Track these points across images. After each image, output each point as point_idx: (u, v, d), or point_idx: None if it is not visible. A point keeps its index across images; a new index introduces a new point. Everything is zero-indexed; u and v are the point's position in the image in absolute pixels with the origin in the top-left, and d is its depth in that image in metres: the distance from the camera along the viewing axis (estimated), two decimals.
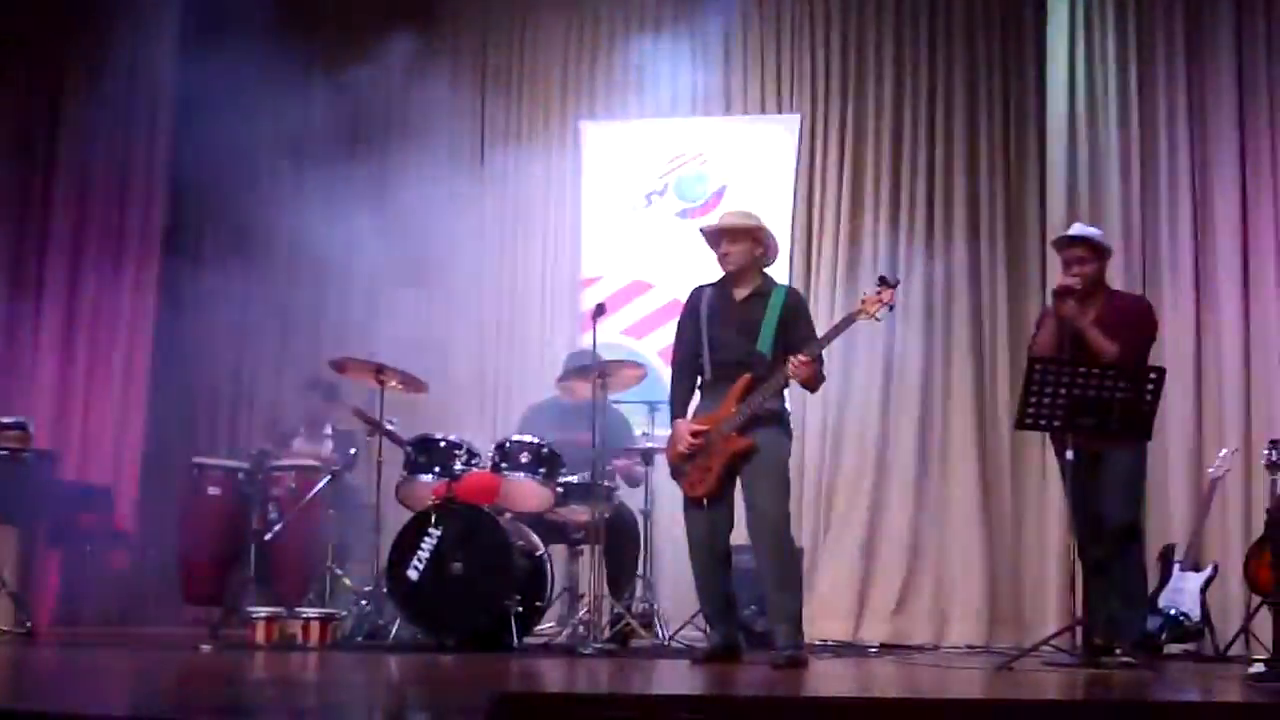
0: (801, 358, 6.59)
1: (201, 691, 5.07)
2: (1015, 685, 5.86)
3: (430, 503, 7.65)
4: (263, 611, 7.58)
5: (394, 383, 8.13)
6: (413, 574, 7.50)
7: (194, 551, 8.58)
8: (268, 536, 8.19)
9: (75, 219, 10.14)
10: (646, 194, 10.30)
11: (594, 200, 10.40)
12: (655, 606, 7.99)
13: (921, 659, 7.81)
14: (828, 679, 6.11)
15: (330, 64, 10.33)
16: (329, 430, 9.01)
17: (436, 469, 7.90)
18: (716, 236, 7.00)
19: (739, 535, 6.91)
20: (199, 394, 10.47)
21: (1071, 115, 9.33)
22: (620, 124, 10.48)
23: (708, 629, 7.15)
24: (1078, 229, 7.37)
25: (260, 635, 7.47)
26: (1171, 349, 8.82)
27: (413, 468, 7.98)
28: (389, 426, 8.05)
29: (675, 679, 5.97)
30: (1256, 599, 7.93)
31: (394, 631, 7.68)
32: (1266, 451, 7.90)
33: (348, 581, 8.22)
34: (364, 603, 7.95)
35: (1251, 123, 9.21)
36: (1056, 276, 7.41)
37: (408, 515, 7.79)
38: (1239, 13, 9.32)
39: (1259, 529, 8.02)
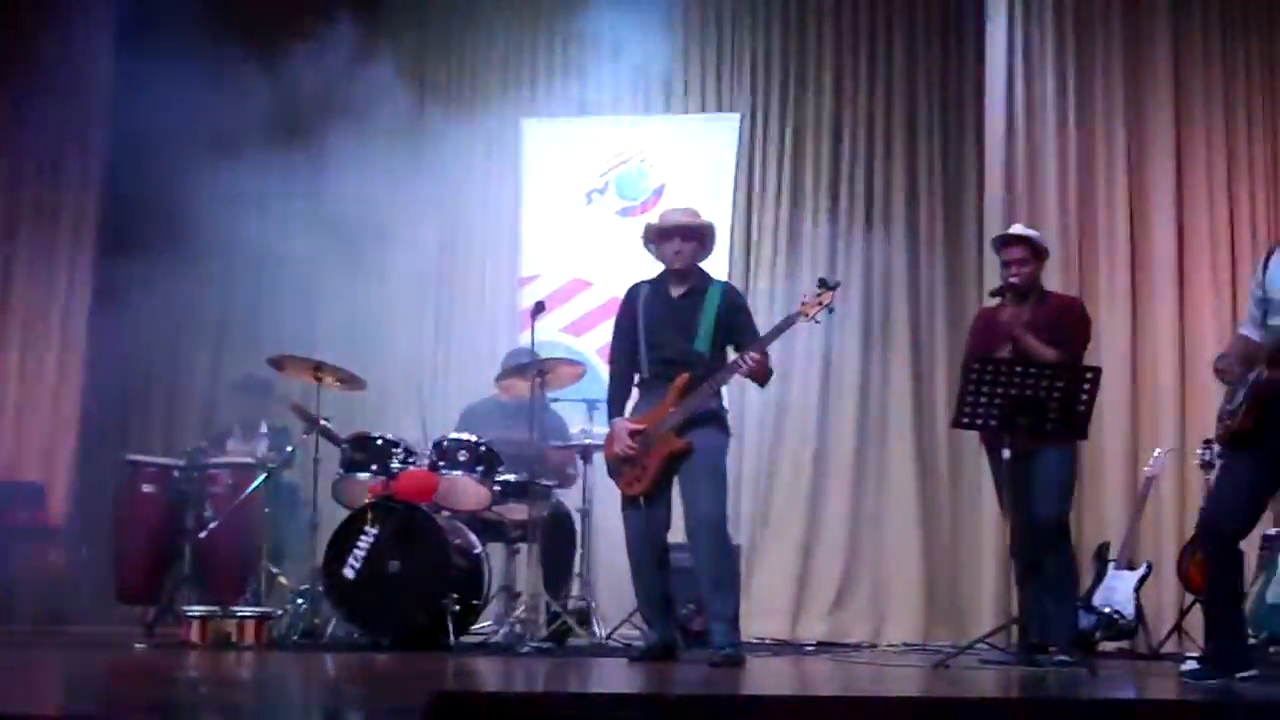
0: (755, 355, 6.58)
1: (135, 691, 5.02)
2: (951, 683, 5.89)
3: (367, 501, 7.61)
4: (198, 610, 7.50)
5: (332, 380, 8.07)
6: (349, 572, 7.46)
7: (128, 550, 8.46)
8: (203, 535, 8.09)
9: (8, 214, 10.03)
10: (587, 192, 10.29)
11: (534, 198, 10.38)
12: (592, 605, 7.98)
13: (858, 657, 7.83)
14: (765, 677, 6.11)
15: (267, 58, 10.22)
16: (264, 429, 8.92)
17: (373, 467, 7.86)
18: (669, 234, 6.89)
19: (676, 534, 6.90)
20: (134, 391, 10.38)
21: (1010, 115, 9.38)
22: (562, 122, 10.48)
23: (645, 627, 7.13)
24: (1017, 228, 7.37)
25: (195, 634, 7.38)
26: (1107, 349, 8.88)
27: (349, 466, 7.93)
28: (325, 424, 7.99)
29: (612, 677, 5.96)
30: (1190, 597, 8.00)
31: (330, 630, 7.65)
32: (1200, 451, 7.98)
33: (284, 580, 8.15)
34: (300, 601, 7.88)
35: (1187, 125, 9.29)
36: (995, 276, 7.44)
37: (344, 513, 7.75)
38: (1176, 16, 9.40)
39: (1192, 528, 8.03)
